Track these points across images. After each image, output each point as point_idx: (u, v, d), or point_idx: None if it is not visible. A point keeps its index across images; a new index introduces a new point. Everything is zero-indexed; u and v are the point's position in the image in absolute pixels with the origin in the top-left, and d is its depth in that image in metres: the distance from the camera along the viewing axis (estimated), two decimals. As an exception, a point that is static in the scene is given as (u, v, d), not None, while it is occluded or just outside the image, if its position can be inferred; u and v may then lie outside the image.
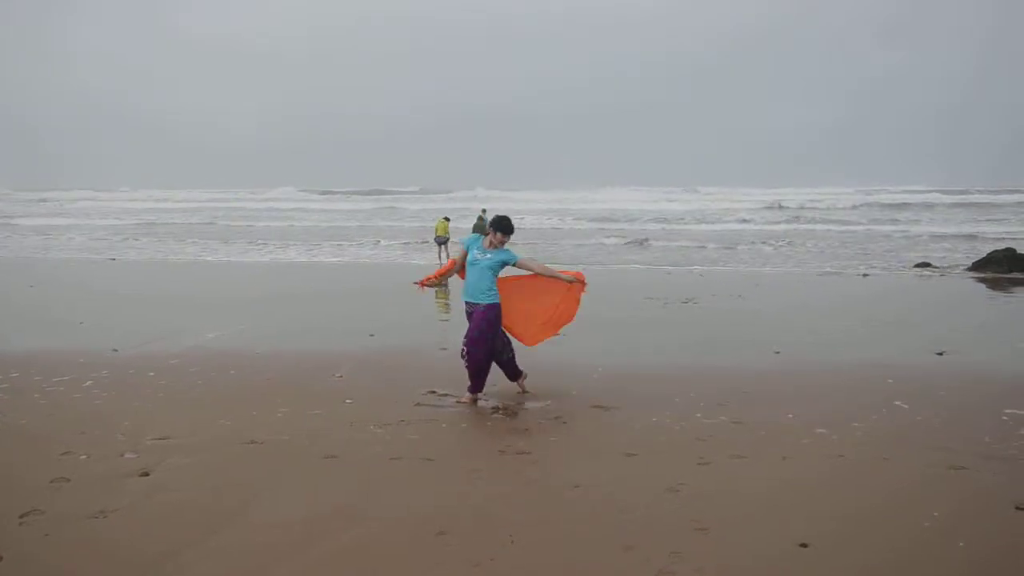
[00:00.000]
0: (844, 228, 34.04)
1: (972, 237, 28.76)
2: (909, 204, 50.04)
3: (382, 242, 29.43)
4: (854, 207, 47.67)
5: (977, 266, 19.02)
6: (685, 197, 60.27)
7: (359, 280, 17.61)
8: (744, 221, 38.23)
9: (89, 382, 7.79)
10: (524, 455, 5.71)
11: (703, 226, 36.44)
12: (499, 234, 7.13)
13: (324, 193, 74.20)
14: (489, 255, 7.11)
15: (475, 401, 7.11)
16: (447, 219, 23.59)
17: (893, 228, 33.55)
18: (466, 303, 7.17)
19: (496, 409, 6.93)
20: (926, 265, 19.89)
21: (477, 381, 7.10)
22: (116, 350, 9.31)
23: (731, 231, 33.44)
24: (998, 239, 26.60)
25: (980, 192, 58.81)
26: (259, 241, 30.20)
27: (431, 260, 22.78)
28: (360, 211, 50.79)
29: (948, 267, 19.88)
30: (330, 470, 5.43)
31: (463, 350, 7.07)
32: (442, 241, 23.03)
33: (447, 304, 13.40)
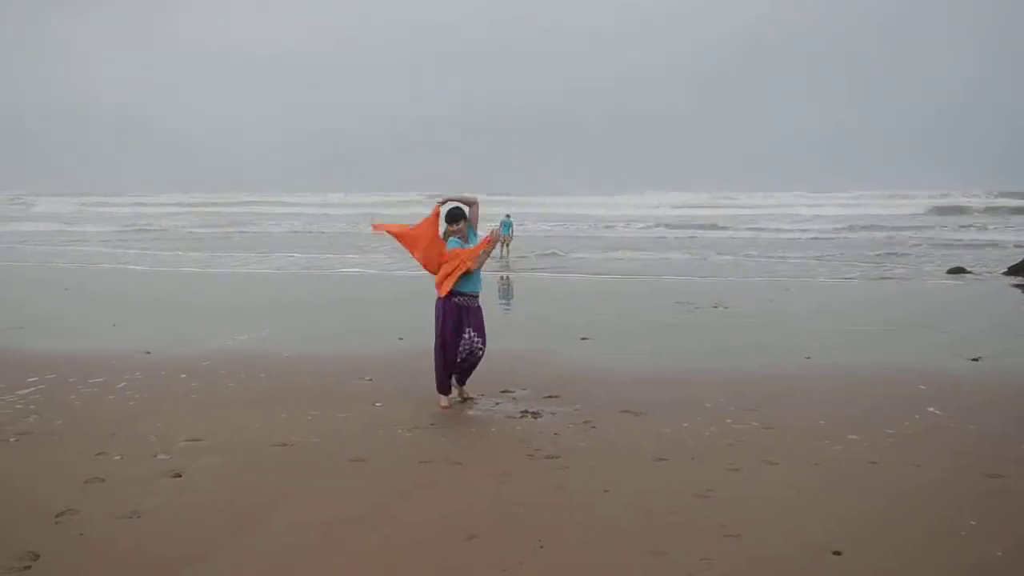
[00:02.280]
0: (875, 232, 33.58)
1: (999, 244, 28.26)
2: (942, 207, 49.39)
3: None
4: (918, 214, 46.72)
5: (1014, 270, 18.67)
6: (711, 202, 59.70)
7: (385, 285, 17.69)
8: (762, 229, 37.69)
9: (123, 384, 7.89)
10: (553, 459, 5.69)
11: (726, 232, 36.10)
12: (460, 224, 7.16)
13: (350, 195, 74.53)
14: (470, 246, 7.15)
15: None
16: None
17: (924, 233, 33.06)
18: (464, 294, 7.09)
19: (525, 413, 6.93)
20: (960, 270, 19.57)
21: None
22: (149, 352, 9.43)
23: (749, 237, 33.08)
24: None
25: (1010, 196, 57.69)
26: (280, 247, 30.44)
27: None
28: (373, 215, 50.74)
29: (983, 271, 19.55)
30: (359, 473, 5.46)
31: (476, 346, 7.11)
32: None
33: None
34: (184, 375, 8.27)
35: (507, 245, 24.01)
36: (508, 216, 24.91)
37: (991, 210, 48.28)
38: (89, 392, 7.60)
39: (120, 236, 35.08)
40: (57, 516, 4.67)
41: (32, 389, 7.66)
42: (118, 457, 5.72)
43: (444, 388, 7.21)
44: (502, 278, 18.63)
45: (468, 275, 7.05)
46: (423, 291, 16.10)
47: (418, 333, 10.71)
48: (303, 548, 4.28)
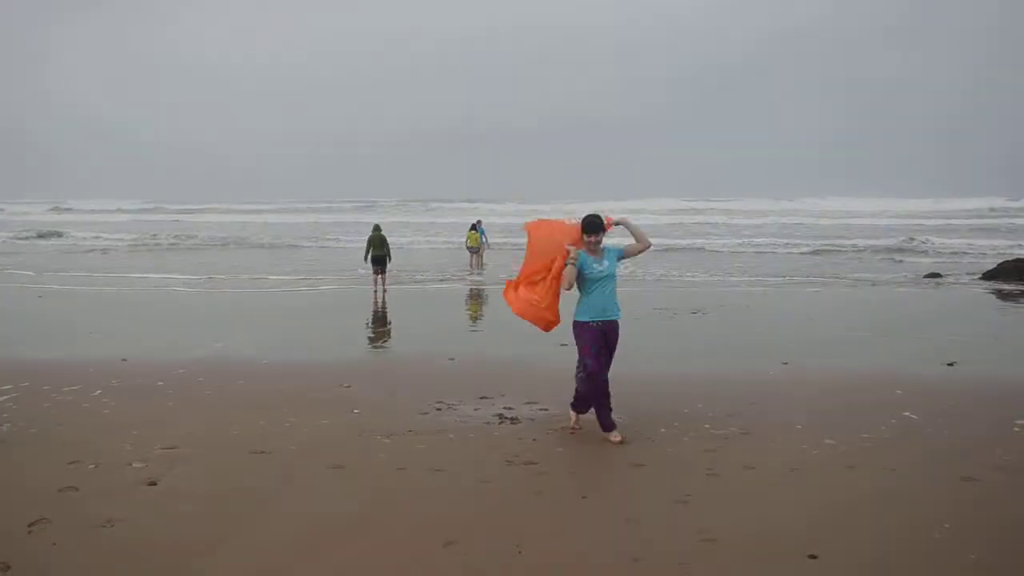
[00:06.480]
0: (859, 240, 33.79)
1: (976, 250, 28.58)
2: (925, 214, 49.93)
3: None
4: (901, 220, 47.07)
5: (987, 276, 18.93)
6: (713, 208, 59.77)
7: (362, 294, 17.61)
8: (749, 235, 37.94)
9: (98, 391, 7.81)
10: (532, 465, 5.69)
11: (705, 240, 36.27)
12: (594, 236, 6.38)
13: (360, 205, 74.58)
14: (606, 262, 6.48)
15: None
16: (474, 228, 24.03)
17: (898, 239, 33.33)
18: (600, 322, 6.54)
19: (503, 419, 6.92)
20: (936, 275, 19.80)
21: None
22: (125, 360, 9.34)
23: (729, 244, 33.23)
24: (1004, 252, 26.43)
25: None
26: (282, 260, 30.26)
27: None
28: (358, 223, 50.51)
29: (959, 277, 19.78)
30: (337, 480, 5.43)
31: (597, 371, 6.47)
32: (474, 251, 23.36)
33: (450, 315, 13.38)
34: (161, 382, 8.19)
35: (480, 254, 23.79)
36: (479, 222, 24.67)
37: (972, 216, 48.95)
38: (64, 399, 7.51)
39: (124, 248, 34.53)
40: (30, 526, 4.60)
41: (5, 397, 7.56)
42: (92, 466, 5.65)
43: (581, 408, 6.66)
44: (472, 291, 18.60)
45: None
46: (400, 302, 16.08)
47: (397, 341, 10.72)
48: (282, 555, 4.25)
